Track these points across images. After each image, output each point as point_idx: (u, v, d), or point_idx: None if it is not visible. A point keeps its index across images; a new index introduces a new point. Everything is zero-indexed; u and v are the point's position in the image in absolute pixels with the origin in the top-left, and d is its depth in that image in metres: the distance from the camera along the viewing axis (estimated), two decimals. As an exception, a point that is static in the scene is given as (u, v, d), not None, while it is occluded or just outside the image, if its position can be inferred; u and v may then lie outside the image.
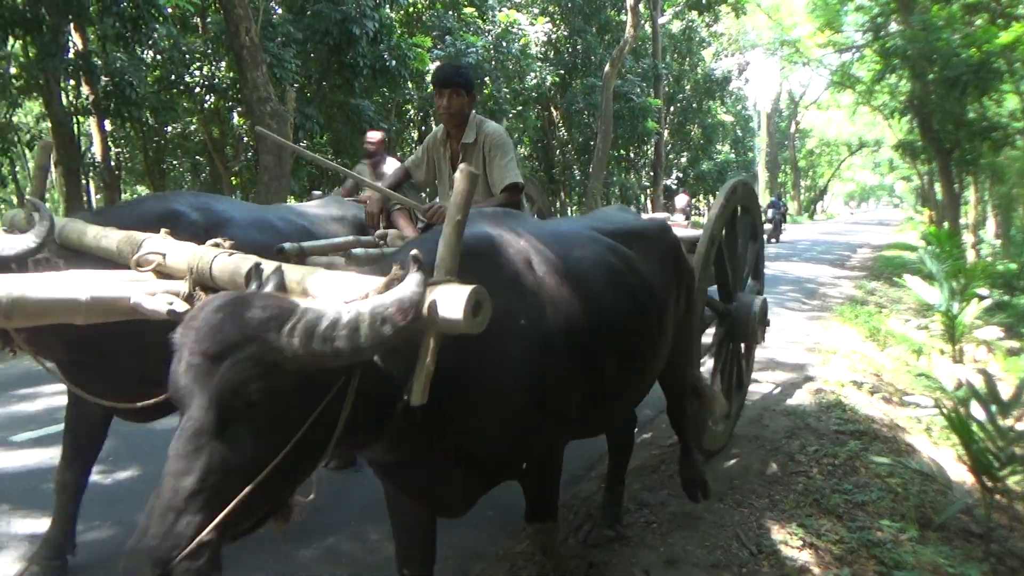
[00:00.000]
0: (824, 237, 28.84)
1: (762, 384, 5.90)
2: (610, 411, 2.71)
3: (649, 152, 26.97)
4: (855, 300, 11.29)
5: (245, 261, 1.95)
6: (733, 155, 35.82)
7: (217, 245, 2.13)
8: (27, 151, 15.42)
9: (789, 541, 3.24)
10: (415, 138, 18.10)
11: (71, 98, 13.10)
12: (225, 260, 2.02)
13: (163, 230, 2.34)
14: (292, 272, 1.84)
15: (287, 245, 2.66)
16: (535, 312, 2.06)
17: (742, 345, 4.55)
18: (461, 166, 1.60)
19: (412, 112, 17.73)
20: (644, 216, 3.29)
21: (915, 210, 46.77)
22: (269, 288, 1.70)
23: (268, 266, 1.84)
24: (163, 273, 2.17)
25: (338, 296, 1.63)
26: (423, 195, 4.93)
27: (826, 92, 39.10)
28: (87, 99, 12.83)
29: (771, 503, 3.63)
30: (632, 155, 26.65)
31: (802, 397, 5.51)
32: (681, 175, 30.85)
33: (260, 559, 3.16)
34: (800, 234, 29.74)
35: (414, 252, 1.52)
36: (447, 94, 3.70)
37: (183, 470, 1.35)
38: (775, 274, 13.87)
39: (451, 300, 1.49)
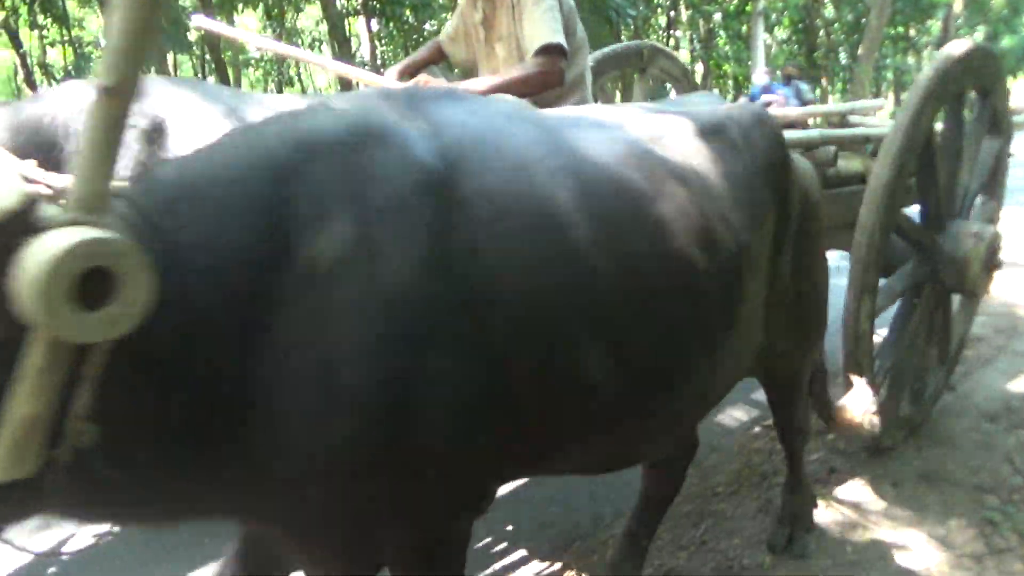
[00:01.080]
0: None
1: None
2: (633, 435, 1.57)
3: (934, 29, 23.36)
4: None
5: None
6: (1047, 28, 29.92)
7: None
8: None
9: (1077, 473, 2.86)
10: (662, 25, 17.30)
11: (343, 0, 14.27)
12: None
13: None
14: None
15: None
16: (440, 266, 1.14)
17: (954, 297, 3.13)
18: None
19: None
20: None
21: None
22: None
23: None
24: None
25: None
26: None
27: None
28: (357, 0, 13.92)
29: (1057, 430, 3.21)
30: (912, 33, 23.29)
31: (1111, 315, 4.69)
32: (974, 54, 26.46)
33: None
34: None
35: None
36: None
37: None
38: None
39: (35, 271, 0.79)
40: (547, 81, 2.46)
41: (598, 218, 1.34)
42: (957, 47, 2.68)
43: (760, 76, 11.06)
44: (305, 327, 1.04)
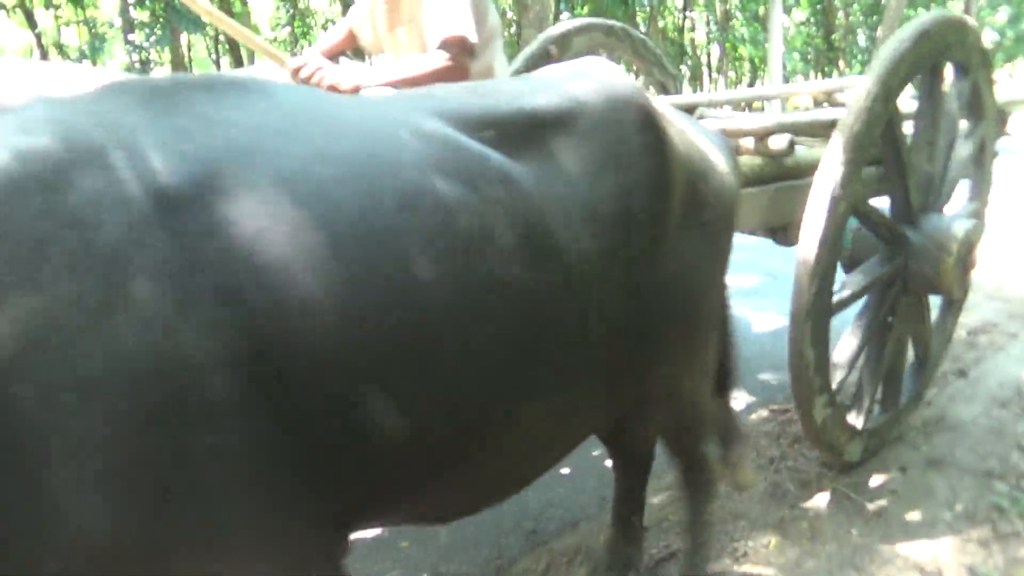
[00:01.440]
0: None
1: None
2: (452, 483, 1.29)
3: (953, 7, 23.02)
4: None
5: None
6: (1073, 9, 29.34)
7: None
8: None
9: (1088, 460, 2.85)
10: (678, 7, 17.10)
11: (357, -19, 14.29)
12: None
13: None
14: None
15: None
16: (181, 321, 0.89)
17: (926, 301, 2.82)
18: None
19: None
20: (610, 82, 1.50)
21: None
22: None
23: None
24: None
25: None
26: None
27: None
28: (370, -19, 13.94)
29: (1070, 417, 3.19)
30: (933, 14, 22.94)
31: None
32: (998, 36, 26.02)
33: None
34: None
35: None
36: None
37: None
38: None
39: None
40: (448, 77, 2.19)
41: (394, 240, 1.06)
42: (926, 20, 2.36)
43: None
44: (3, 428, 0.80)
